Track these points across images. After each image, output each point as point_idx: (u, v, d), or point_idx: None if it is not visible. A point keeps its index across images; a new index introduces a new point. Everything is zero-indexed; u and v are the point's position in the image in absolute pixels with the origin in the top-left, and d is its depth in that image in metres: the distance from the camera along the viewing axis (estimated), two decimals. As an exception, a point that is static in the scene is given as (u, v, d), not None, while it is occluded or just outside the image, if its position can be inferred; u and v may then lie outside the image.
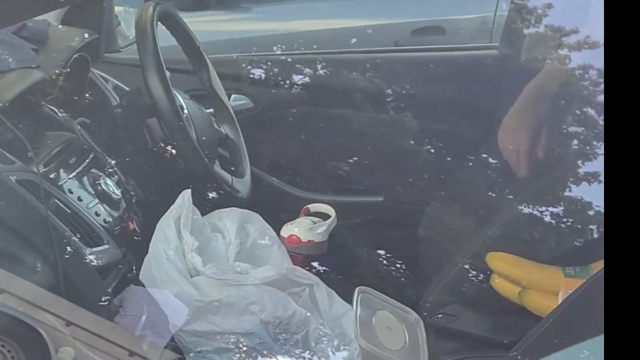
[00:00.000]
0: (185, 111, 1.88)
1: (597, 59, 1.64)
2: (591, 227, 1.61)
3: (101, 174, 1.81)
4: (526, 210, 1.71)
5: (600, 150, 1.61)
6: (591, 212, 1.62)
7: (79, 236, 1.62)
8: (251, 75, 2.42)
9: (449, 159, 2.19)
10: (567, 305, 1.09)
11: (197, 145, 1.81)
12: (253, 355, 1.61)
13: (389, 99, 2.32)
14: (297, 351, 1.63)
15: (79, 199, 1.70)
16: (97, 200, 1.74)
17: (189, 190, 1.76)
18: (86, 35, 2.03)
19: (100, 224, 1.71)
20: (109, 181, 1.80)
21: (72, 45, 1.94)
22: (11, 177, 1.50)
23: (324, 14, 3.28)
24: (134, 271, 1.74)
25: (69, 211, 1.64)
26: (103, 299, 1.59)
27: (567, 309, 1.06)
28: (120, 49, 2.49)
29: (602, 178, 1.58)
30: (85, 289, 1.58)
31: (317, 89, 2.42)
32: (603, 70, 1.61)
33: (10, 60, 1.72)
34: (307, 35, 2.73)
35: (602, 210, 1.56)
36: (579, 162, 1.65)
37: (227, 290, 1.62)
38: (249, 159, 2.13)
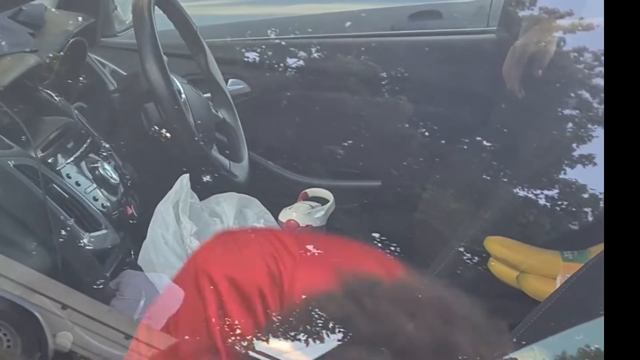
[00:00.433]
0: (183, 96, 1.88)
1: (592, 41, 1.64)
2: (586, 209, 1.62)
3: (99, 158, 1.81)
4: (522, 193, 1.71)
5: (595, 132, 1.61)
6: (586, 195, 1.62)
7: (77, 221, 1.62)
8: (248, 60, 2.42)
9: (443, 142, 2.19)
10: (566, 288, 1.09)
11: (194, 130, 1.81)
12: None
13: (384, 83, 2.32)
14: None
15: (77, 184, 1.70)
16: (95, 185, 1.74)
17: (187, 175, 1.77)
18: (83, 20, 2.02)
19: (98, 209, 1.71)
20: (106, 166, 1.80)
21: (69, 30, 1.93)
22: (9, 162, 1.50)
23: (320, -2, 3.28)
24: (132, 256, 1.75)
25: (66, 196, 1.64)
26: (100, 283, 1.60)
27: (565, 293, 1.06)
28: (117, 33, 2.49)
29: (596, 160, 1.59)
30: (83, 273, 1.58)
31: (313, 73, 2.42)
32: (600, 53, 1.61)
33: (7, 44, 1.72)
34: (303, 19, 2.72)
35: (597, 193, 1.57)
36: (574, 145, 1.65)
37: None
38: (247, 144, 2.13)
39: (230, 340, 1.01)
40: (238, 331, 1.02)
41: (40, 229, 1.51)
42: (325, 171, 2.40)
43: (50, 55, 1.84)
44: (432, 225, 1.98)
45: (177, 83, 1.88)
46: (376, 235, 1.95)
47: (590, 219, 1.61)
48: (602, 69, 1.20)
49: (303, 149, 2.43)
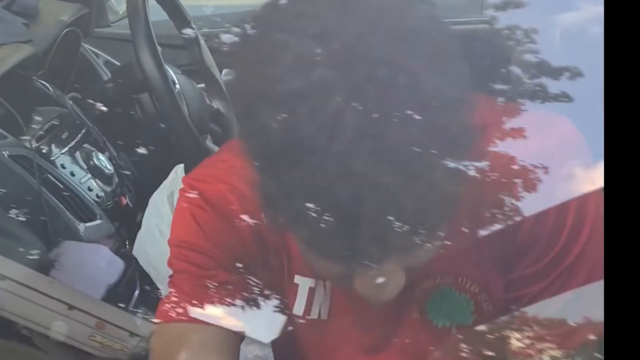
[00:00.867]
0: (177, 86, 1.87)
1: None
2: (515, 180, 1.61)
3: (93, 149, 1.81)
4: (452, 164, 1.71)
5: (524, 106, 1.61)
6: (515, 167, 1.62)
7: (71, 211, 1.62)
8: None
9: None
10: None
11: (188, 120, 1.81)
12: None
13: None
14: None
15: (72, 174, 1.70)
16: (89, 175, 1.74)
17: (182, 165, 1.76)
18: (77, 10, 2.02)
19: (92, 199, 1.71)
20: (101, 156, 1.80)
21: (63, 20, 1.93)
22: (3, 152, 1.51)
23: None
24: (127, 246, 1.75)
25: (61, 186, 1.64)
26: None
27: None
28: (111, 23, 2.48)
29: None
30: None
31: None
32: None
33: (0, 34, 1.71)
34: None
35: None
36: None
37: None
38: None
39: None
40: None
41: (35, 219, 1.51)
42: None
43: (45, 46, 1.83)
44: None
45: (172, 73, 1.88)
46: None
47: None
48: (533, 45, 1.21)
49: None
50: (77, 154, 1.76)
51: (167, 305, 0.98)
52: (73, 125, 1.80)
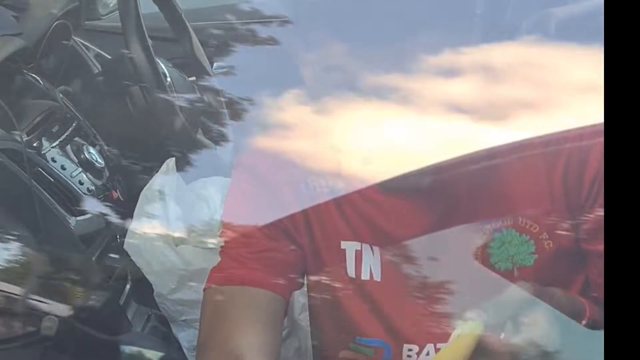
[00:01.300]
0: (168, 79, 1.87)
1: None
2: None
3: (84, 142, 1.81)
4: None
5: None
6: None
7: (62, 205, 1.62)
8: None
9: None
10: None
11: (179, 114, 1.80)
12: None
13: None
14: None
15: (62, 168, 1.69)
16: (80, 169, 1.74)
17: (173, 159, 1.76)
18: (67, 3, 2.01)
19: (83, 193, 1.71)
20: (92, 149, 1.80)
21: (53, 13, 1.92)
22: (-6, 146, 1.50)
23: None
24: (118, 240, 1.75)
25: (52, 180, 1.64)
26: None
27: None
28: (101, 16, 2.47)
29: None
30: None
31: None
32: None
33: (-10, 27, 1.71)
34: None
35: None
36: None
37: (211, 260, 1.62)
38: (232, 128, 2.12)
39: None
40: None
41: (26, 213, 1.50)
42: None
43: (35, 38, 1.83)
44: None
45: (162, 66, 1.87)
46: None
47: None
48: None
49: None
50: (68, 147, 1.75)
51: (216, 273, 1.08)
52: (63, 119, 1.79)
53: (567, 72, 0.90)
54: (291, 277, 1.07)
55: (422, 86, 0.88)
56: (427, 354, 1.06)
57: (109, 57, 2.21)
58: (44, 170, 1.62)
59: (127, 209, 1.76)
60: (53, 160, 1.69)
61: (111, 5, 2.50)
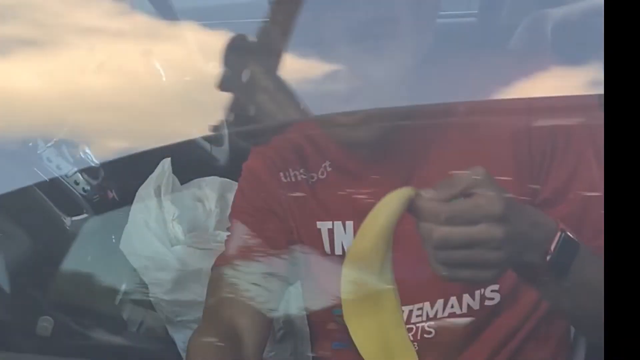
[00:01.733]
0: (164, 79, 1.86)
1: None
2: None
3: (80, 142, 1.80)
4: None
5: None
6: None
7: (57, 205, 1.61)
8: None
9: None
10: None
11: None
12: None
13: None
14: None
15: (58, 168, 1.69)
16: (76, 169, 1.73)
17: (169, 159, 1.75)
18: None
19: (79, 193, 1.70)
20: (87, 149, 1.79)
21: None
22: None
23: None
24: (114, 240, 1.74)
25: (47, 180, 1.63)
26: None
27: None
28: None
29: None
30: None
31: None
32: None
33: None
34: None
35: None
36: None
37: (207, 260, 1.62)
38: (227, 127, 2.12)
39: None
40: None
41: (23, 213, 1.50)
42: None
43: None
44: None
45: (158, 66, 1.87)
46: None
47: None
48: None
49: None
50: (64, 147, 1.74)
51: (220, 256, 1.25)
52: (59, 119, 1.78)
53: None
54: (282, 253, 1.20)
55: None
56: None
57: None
58: (39, 170, 1.61)
59: (122, 209, 1.76)
60: (48, 160, 1.68)
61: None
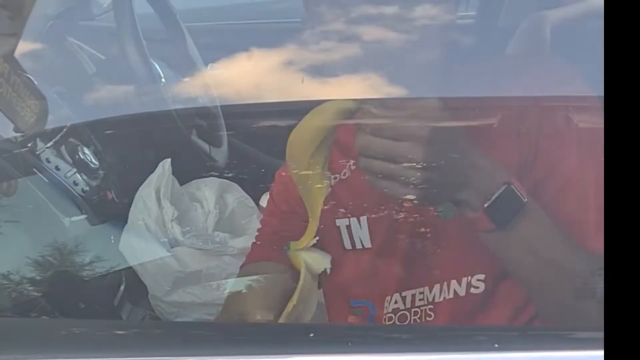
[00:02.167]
0: (163, 80, 1.86)
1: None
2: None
3: (79, 143, 1.80)
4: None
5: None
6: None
7: (56, 205, 1.61)
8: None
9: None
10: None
11: (174, 114, 1.80)
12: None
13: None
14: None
15: (57, 168, 1.69)
16: (75, 170, 1.73)
17: (169, 160, 1.75)
18: (61, 3, 2.00)
19: (78, 194, 1.70)
20: (86, 150, 1.79)
21: (48, 13, 1.91)
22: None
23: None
24: (113, 241, 1.74)
25: (46, 180, 1.63)
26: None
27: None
28: (96, 16, 2.46)
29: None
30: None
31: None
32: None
33: (-16, 27, 1.70)
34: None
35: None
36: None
37: (207, 261, 1.62)
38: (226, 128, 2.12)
39: None
40: None
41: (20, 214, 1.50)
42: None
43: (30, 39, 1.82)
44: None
45: (157, 67, 1.87)
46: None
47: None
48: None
49: (283, 134, 2.41)
50: (63, 148, 1.74)
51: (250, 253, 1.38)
52: (58, 119, 1.78)
53: None
54: None
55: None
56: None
57: (103, 57, 2.20)
58: (38, 171, 1.61)
59: (121, 210, 1.76)
60: (47, 160, 1.68)
61: (104, 5, 2.50)
